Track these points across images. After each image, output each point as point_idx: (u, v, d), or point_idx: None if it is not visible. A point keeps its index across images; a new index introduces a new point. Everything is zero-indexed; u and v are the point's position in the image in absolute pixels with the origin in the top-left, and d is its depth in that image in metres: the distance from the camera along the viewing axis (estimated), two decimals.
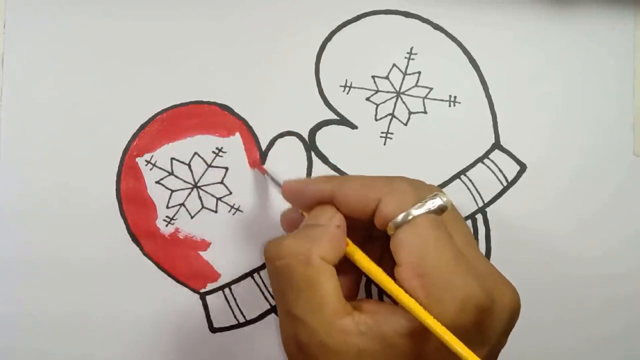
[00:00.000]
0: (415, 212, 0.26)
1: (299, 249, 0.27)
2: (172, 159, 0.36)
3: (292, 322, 0.27)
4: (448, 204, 0.27)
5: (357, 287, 0.31)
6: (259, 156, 0.36)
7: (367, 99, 0.37)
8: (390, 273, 0.27)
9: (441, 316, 0.25)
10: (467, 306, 0.25)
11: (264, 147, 0.36)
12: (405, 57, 0.37)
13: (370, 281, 0.34)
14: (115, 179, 0.35)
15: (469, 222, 0.37)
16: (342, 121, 0.37)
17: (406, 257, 0.26)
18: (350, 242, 0.28)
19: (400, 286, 0.26)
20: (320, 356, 0.26)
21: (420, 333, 0.25)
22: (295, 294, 0.27)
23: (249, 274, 0.36)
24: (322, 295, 0.26)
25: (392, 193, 0.27)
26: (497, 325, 0.26)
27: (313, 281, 0.26)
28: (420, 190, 0.28)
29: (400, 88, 0.37)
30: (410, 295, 0.25)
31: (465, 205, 0.36)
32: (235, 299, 0.36)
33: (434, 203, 0.27)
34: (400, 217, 0.26)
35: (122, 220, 0.35)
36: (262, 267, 0.36)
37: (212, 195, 0.36)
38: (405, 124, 0.37)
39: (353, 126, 0.37)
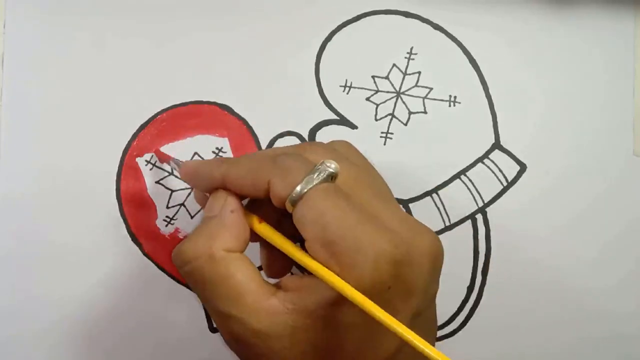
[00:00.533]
0: (306, 186, 0.26)
1: (200, 250, 0.27)
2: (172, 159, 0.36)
3: (221, 319, 0.27)
4: (337, 170, 0.26)
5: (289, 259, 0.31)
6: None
7: (367, 99, 0.37)
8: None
9: (356, 280, 0.25)
10: (380, 264, 0.25)
11: (264, 147, 0.36)
12: (405, 57, 0.37)
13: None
14: (115, 179, 0.35)
15: (468, 222, 0.37)
16: (342, 121, 0.37)
17: (309, 231, 0.25)
18: (257, 220, 0.28)
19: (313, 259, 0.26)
20: (257, 342, 0.26)
21: (342, 300, 0.25)
22: (213, 291, 0.27)
23: None
24: (237, 285, 0.26)
25: (279, 172, 0.26)
26: (419, 273, 0.26)
27: (224, 275, 0.26)
28: (307, 162, 0.27)
29: (400, 88, 0.37)
30: (323, 266, 0.25)
31: (465, 205, 0.36)
32: None
33: (322, 173, 0.26)
34: (292, 195, 0.26)
35: (122, 220, 0.35)
36: (261, 267, 0.36)
37: None
38: (405, 124, 0.37)
39: (353, 126, 0.37)
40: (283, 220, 0.29)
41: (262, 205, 0.29)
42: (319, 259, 0.25)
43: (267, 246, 0.30)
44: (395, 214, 0.27)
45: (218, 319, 0.27)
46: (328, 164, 0.26)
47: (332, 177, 0.26)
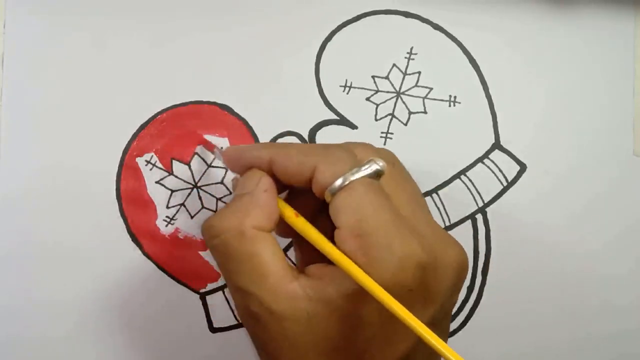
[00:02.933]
0: (351, 177, 0.26)
1: (230, 224, 0.27)
2: (172, 159, 0.36)
3: (240, 295, 0.27)
4: (384, 169, 0.27)
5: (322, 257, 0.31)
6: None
7: (367, 99, 0.37)
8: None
9: (380, 275, 0.25)
10: (406, 264, 0.25)
11: None
12: (405, 57, 0.37)
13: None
14: (115, 179, 0.35)
15: (468, 222, 0.37)
16: (342, 121, 0.37)
17: (344, 220, 0.26)
18: (286, 206, 0.28)
19: (340, 249, 0.26)
20: (272, 323, 0.26)
21: (362, 294, 0.25)
22: (236, 267, 0.27)
23: None
24: (262, 264, 0.26)
25: (328, 160, 0.27)
26: (443, 282, 0.26)
27: (250, 253, 0.26)
28: (356, 156, 0.27)
29: (400, 88, 0.37)
30: (349, 257, 0.25)
31: (465, 205, 0.36)
32: None
33: (369, 168, 0.26)
34: (336, 183, 0.26)
35: (122, 220, 0.35)
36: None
37: (212, 195, 0.36)
38: (405, 124, 0.37)
39: (353, 126, 0.37)
40: (318, 217, 0.29)
41: (300, 199, 0.29)
42: (346, 248, 0.25)
43: (300, 243, 0.31)
44: (430, 223, 0.28)
45: (237, 295, 0.27)
46: (377, 161, 0.27)
47: (377, 174, 0.27)
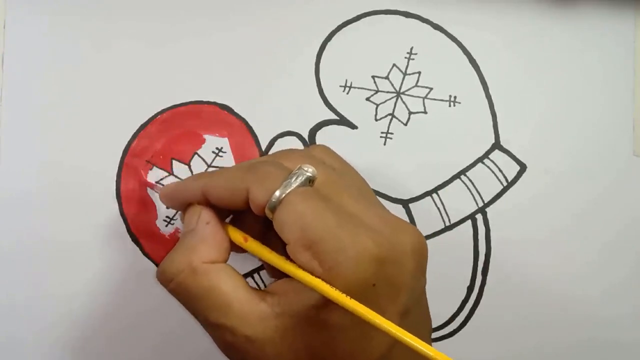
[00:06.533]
0: (284, 191, 0.26)
1: (181, 265, 0.27)
2: (172, 159, 0.36)
3: (214, 330, 0.27)
4: (314, 174, 0.27)
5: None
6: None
7: (367, 99, 0.37)
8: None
9: (339, 279, 0.25)
10: (362, 262, 0.25)
11: (264, 147, 0.36)
12: (405, 57, 0.37)
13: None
14: (115, 179, 0.35)
15: (468, 222, 0.37)
16: (342, 121, 0.37)
17: (290, 235, 0.26)
18: (235, 231, 0.28)
19: (295, 262, 0.26)
20: (251, 349, 0.26)
21: (328, 301, 0.25)
22: (200, 304, 0.27)
23: (247, 275, 0.36)
24: (223, 295, 0.26)
25: (257, 180, 0.27)
26: (404, 269, 0.26)
27: (207, 287, 0.27)
28: (285, 167, 0.27)
29: (400, 88, 0.37)
30: (305, 268, 0.25)
31: (465, 205, 0.36)
32: None
33: (299, 178, 0.26)
34: (271, 201, 0.26)
35: (122, 220, 0.35)
36: (261, 268, 0.36)
37: None
38: (405, 124, 0.37)
39: (353, 126, 0.37)
40: (267, 232, 0.29)
41: (246, 220, 0.29)
42: (301, 261, 0.26)
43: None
44: (377, 214, 0.28)
45: (210, 330, 0.27)
46: (305, 169, 0.27)
47: (310, 181, 0.27)
